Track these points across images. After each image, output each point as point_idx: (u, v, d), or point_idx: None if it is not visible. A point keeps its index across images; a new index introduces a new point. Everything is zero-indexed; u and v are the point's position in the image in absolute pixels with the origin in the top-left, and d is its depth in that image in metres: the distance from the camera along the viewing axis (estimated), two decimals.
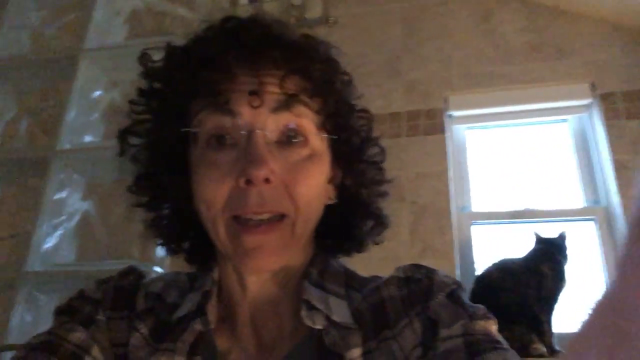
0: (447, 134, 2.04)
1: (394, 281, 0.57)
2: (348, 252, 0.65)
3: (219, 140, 0.53)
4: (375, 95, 2.07)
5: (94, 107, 1.88)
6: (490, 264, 1.70)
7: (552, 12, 2.10)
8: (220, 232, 0.52)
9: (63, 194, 1.69)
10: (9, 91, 2.06)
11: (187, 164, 0.57)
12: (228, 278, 0.59)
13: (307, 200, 0.53)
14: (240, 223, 0.51)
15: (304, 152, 0.54)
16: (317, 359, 0.52)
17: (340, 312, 0.55)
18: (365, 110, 0.64)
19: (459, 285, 0.55)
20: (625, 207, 1.75)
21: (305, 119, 0.55)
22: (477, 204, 2.02)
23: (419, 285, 0.55)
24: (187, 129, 0.55)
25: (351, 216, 0.63)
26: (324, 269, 0.60)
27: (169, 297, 0.60)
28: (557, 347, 1.54)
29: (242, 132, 0.52)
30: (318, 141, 0.56)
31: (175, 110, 0.56)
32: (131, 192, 0.61)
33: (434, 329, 0.51)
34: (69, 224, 1.69)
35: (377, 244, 0.65)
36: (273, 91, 0.53)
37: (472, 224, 1.98)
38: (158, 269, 1.53)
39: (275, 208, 0.52)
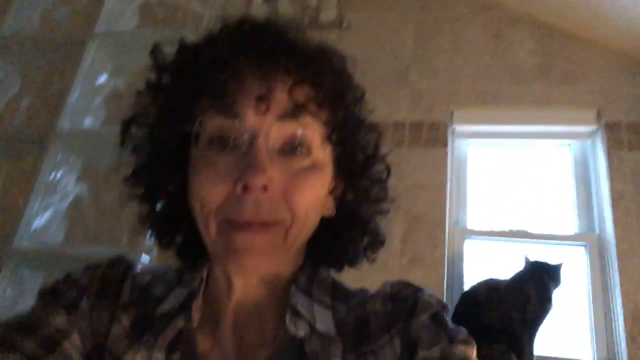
0: (449, 148, 2.04)
1: (379, 297, 0.57)
2: (340, 266, 0.64)
3: (221, 142, 0.52)
4: (381, 103, 2.07)
5: (97, 91, 1.87)
6: (478, 281, 1.69)
7: (564, 36, 2.10)
8: (211, 232, 0.52)
9: (58, 175, 1.69)
10: (15, 69, 2.06)
11: (186, 161, 0.56)
12: (215, 278, 0.58)
13: (305, 211, 0.52)
14: (232, 224, 0.50)
15: (306, 162, 0.53)
16: None
17: (324, 321, 0.55)
18: (374, 127, 0.63)
19: (443, 306, 0.55)
20: (619, 237, 1.74)
21: (311, 130, 0.53)
22: (472, 220, 2.02)
23: (403, 303, 0.55)
24: (189, 129, 0.54)
25: (347, 231, 0.62)
26: (312, 277, 0.60)
27: (155, 291, 0.60)
28: None
29: (245, 137, 0.51)
30: (321, 153, 0.55)
31: (181, 107, 0.55)
32: (128, 184, 0.60)
33: (413, 349, 0.51)
34: (61, 205, 1.69)
35: (371, 261, 0.64)
36: (281, 98, 0.52)
37: (465, 239, 1.97)
38: (146, 257, 1.52)
39: (271, 216, 0.51)
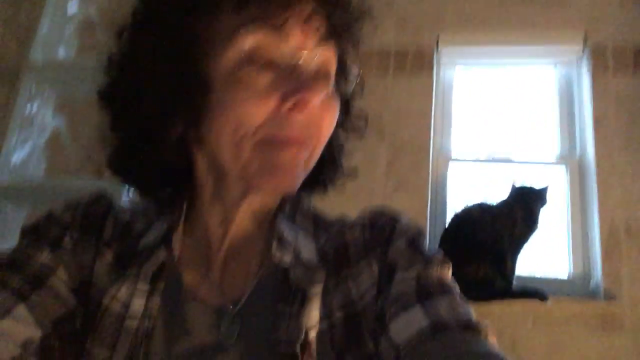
0: (435, 74, 2.01)
1: (358, 225, 0.58)
2: (323, 189, 0.64)
3: (258, 60, 0.49)
4: (366, 29, 2.01)
5: (68, 20, 1.79)
6: (471, 203, 1.76)
7: None
8: (243, 154, 0.50)
9: (34, 108, 1.64)
10: None
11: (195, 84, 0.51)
12: (209, 218, 0.58)
13: (325, 136, 0.53)
14: (275, 142, 0.49)
15: (329, 88, 0.53)
16: (281, 294, 0.53)
17: (308, 249, 0.56)
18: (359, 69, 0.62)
19: (419, 232, 0.56)
20: (599, 157, 1.77)
21: (334, 58, 0.54)
22: (456, 145, 2.03)
23: (381, 231, 0.56)
24: (218, 43, 0.50)
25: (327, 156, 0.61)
26: (295, 206, 0.61)
27: (136, 226, 0.59)
28: (513, 287, 1.64)
29: (290, 57, 0.49)
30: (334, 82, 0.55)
31: (208, 18, 0.50)
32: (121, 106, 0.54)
33: (391, 272, 0.52)
34: (39, 139, 1.65)
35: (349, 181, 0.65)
36: (321, 22, 0.51)
37: (449, 164, 1.99)
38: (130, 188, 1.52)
39: (309, 138, 0.51)
